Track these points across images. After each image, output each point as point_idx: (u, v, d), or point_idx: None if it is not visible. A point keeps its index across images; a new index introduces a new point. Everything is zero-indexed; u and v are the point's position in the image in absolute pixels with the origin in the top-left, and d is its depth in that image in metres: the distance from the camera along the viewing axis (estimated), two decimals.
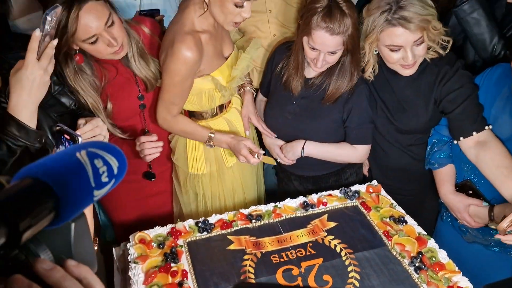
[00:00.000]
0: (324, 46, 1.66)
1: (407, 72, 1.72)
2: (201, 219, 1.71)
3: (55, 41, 1.25)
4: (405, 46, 1.62)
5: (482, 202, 1.73)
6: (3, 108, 1.26)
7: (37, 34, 1.20)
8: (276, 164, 1.98)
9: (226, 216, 1.73)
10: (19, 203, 0.42)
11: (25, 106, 1.22)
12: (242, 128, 1.98)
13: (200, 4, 1.66)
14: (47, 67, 1.24)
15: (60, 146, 1.16)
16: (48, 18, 1.19)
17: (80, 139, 1.13)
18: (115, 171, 0.50)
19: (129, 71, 1.74)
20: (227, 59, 1.87)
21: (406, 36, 1.60)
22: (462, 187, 1.80)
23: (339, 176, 2.03)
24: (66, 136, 1.13)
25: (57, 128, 1.15)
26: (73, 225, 0.49)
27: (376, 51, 1.73)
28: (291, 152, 1.91)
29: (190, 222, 1.70)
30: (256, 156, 1.79)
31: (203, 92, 1.82)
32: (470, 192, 1.78)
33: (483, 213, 1.71)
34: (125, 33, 1.64)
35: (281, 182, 2.15)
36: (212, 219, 1.72)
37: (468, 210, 1.74)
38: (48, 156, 0.47)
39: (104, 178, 0.49)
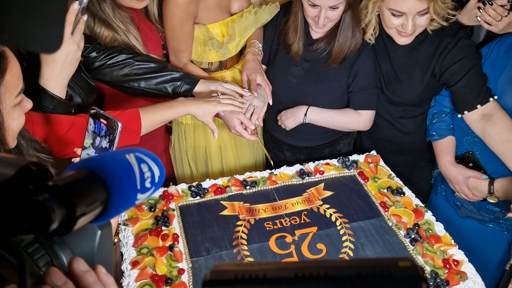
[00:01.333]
0: (324, 0, 1.58)
1: (402, 41, 1.65)
2: (194, 184, 1.67)
3: (85, 17, 1.26)
4: (408, 14, 1.54)
5: (482, 175, 1.70)
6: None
7: (75, 7, 1.21)
8: (272, 164, 1.81)
9: (220, 181, 1.69)
10: (77, 190, 0.42)
11: (57, 81, 1.24)
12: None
13: None
14: (79, 42, 1.25)
15: (93, 131, 1.08)
16: None
17: (119, 124, 1.05)
18: (156, 179, 0.51)
19: (150, 23, 1.73)
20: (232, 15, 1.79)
21: (412, 4, 1.51)
22: (463, 159, 1.77)
23: (333, 147, 1.97)
24: (102, 120, 1.06)
25: (92, 111, 1.08)
26: (99, 232, 0.51)
27: (377, 12, 1.65)
28: (291, 118, 1.81)
29: (183, 186, 1.66)
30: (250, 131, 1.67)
31: (198, 41, 1.75)
32: (471, 164, 1.75)
33: (482, 186, 1.68)
34: None
35: (270, 153, 2.08)
36: (206, 183, 1.68)
37: (468, 183, 1.71)
38: (102, 153, 0.49)
39: (148, 184, 0.50)
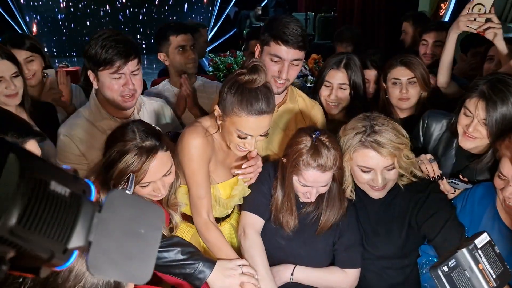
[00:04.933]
0: (317, 182, 1.63)
1: (375, 194, 1.70)
2: None
3: None
4: (376, 169, 1.62)
5: None
6: None
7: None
8: None
9: None
10: None
11: None
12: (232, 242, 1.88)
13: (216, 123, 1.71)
14: None
15: None
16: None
17: None
18: None
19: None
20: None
21: (377, 160, 1.60)
22: None
23: None
24: None
25: None
26: None
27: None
28: (276, 278, 1.76)
29: None
30: None
31: None
32: None
33: None
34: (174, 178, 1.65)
35: None
36: None
37: None
38: None
39: None
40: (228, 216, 1.90)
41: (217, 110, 1.66)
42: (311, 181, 1.62)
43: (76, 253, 0.47)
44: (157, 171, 1.50)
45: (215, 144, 1.74)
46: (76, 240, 0.45)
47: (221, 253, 1.69)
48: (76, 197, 0.45)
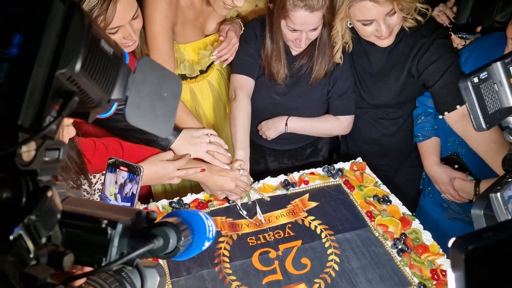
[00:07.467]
0: (305, 25, 1.56)
1: (384, 43, 1.63)
2: (175, 199, 1.62)
3: None
4: (377, 19, 1.53)
5: (468, 176, 1.67)
6: None
7: None
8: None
9: (202, 195, 1.64)
10: (181, 228, 0.61)
11: None
12: (223, 90, 1.88)
13: None
14: None
15: (115, 181, 1.16)
16: None
17: (142, 169, 1.16)
18: (214, 234, 0.67)
19: None
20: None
21: (376, 9, 1.49)
22: (448, 161, 1.75)
23: (315, 147, 1.99)
24: (122, 168, 1.17)
25: (110, 161, 1.17)
26: (159, 279, 0.66)
27: (350, 24, 1.64)
28: (272, 129, 1.83)
29: (164, 202, 1.61)
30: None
31: None
32: (456, 166, 1.72)
33: (468, 187, 1.65)
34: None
35: (252, 162, 2.03)
36: (187, 199, 1.63)
37: (453, 184, 1.68)
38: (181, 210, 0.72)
39: (211, 235, 0.66)
40: (205, 72, 1.83)
41: None
42: (299, 24, 1.55)
43: (116, 104, 0.57)
44: (123, 13, 1.39)
45: (180, 2, 1.60)
46: (117, 93, 0.55)
47: (184, 123, 1.60)
48: (117, 57, 0.54)
